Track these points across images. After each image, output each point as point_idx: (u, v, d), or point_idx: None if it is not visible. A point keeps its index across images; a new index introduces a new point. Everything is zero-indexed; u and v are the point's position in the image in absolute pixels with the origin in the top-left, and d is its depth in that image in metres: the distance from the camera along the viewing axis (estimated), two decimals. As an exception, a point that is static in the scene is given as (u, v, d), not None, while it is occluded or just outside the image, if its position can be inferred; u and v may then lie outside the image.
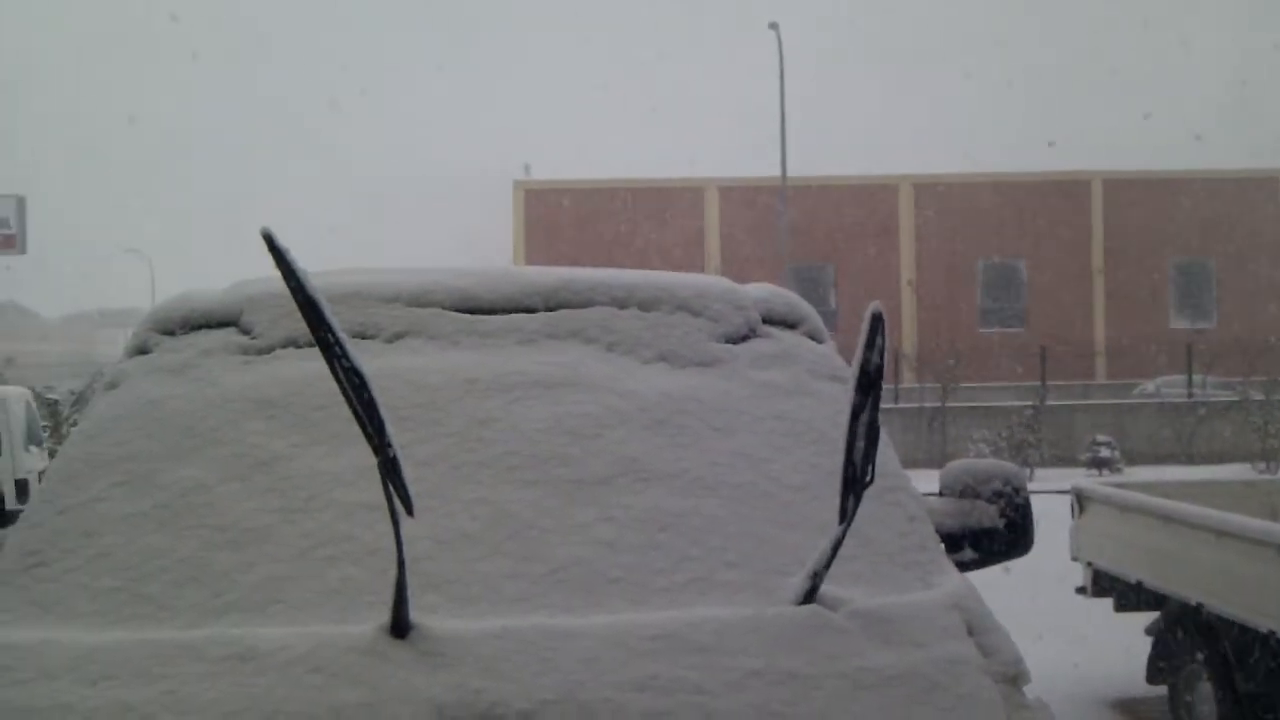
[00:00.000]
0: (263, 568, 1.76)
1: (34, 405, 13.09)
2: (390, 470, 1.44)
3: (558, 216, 31.55)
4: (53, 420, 16.84)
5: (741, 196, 31.62)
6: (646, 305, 2.33)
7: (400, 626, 1.58)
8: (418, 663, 1.55)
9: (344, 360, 1.39)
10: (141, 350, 2.29)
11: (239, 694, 1.51)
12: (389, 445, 1.42)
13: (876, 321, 1.49)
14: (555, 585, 1.75)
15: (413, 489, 1.49)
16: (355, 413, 1.42)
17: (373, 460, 1.93)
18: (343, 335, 1.39)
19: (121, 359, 2.32)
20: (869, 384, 1.52)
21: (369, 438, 1.43)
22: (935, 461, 20.39)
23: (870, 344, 1.50)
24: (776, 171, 28.07)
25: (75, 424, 16.08)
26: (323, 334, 1.37)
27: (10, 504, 11.36)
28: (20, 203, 39.73)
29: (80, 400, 17.44)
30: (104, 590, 1.75)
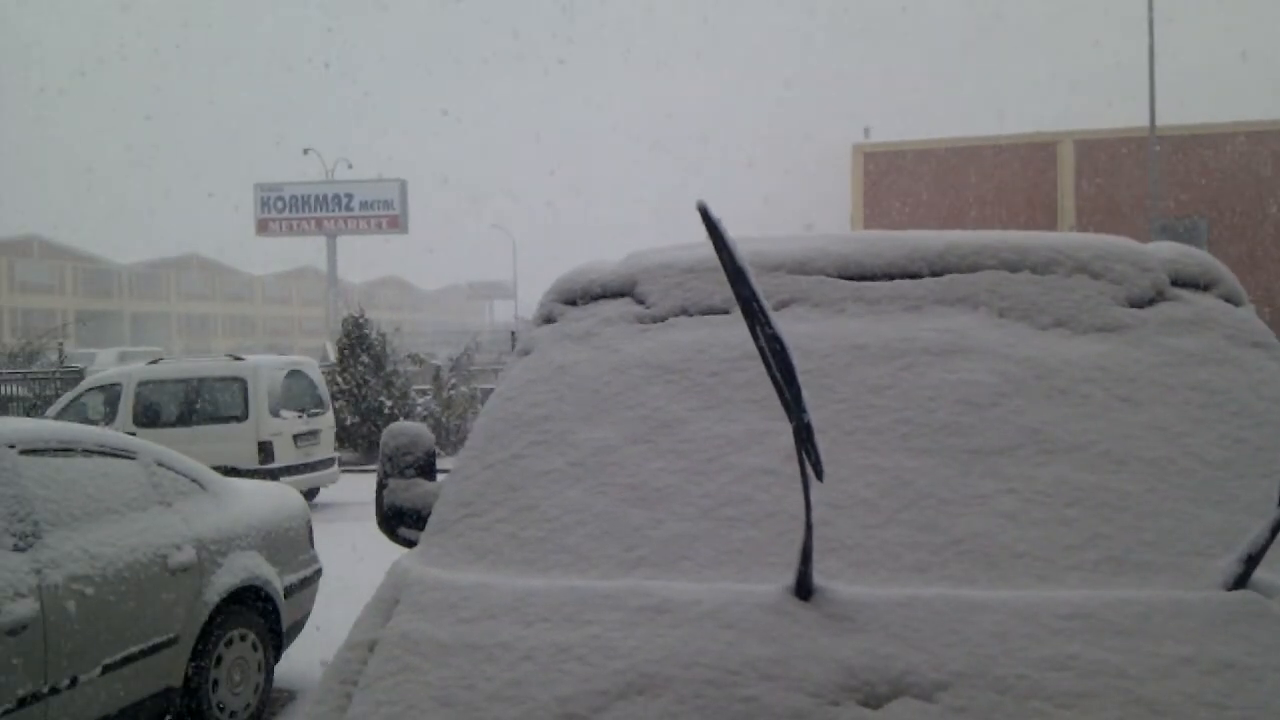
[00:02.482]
0: (670, 525, 1.84)
1: (312, 373, 13.94)
2: (804, 436, 1.46)
3: (899, 179, 30.72)
4: (435, 384, 18.51)
5: (1101, 149, 29.42)
6: (1040, 268, 2.23)
7: (804, 588, 1.61)
8: (824, 625, 1.57)
9: (767, 327, 1.42)
10: (548, 319, 2.46)
11: (658, 643, 1.59)
12: (805, 411, 1.44)
13: None
14: (956, 556, 1.71)
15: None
16: (774, 379, 1.45)
17: (765, 426, 1.98)
18: (766, 303, 1.42)
19: (531, 327, 2.50)
20: None
21: (786, 403, 1.46)
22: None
23: None
24: (1132, 123, 25.83)
25: (454, 386, 17.53)
26: (749, 301, 1.41)
27: (252, 464, 12.10)
28: (403, 186, 43.92)
29: (457, 365, 19.03)
30: (530, 540, 1.90)
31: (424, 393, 18.62)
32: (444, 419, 18.11)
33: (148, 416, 12.50)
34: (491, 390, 15.41)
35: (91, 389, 12.99)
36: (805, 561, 1.59)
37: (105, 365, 24.67)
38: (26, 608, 4.10)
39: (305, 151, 44.72)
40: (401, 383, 18.15)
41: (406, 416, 17.71)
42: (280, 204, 45.08)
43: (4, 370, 21.26)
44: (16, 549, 4.21)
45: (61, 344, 24.29)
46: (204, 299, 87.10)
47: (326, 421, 13.77)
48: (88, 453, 4.88)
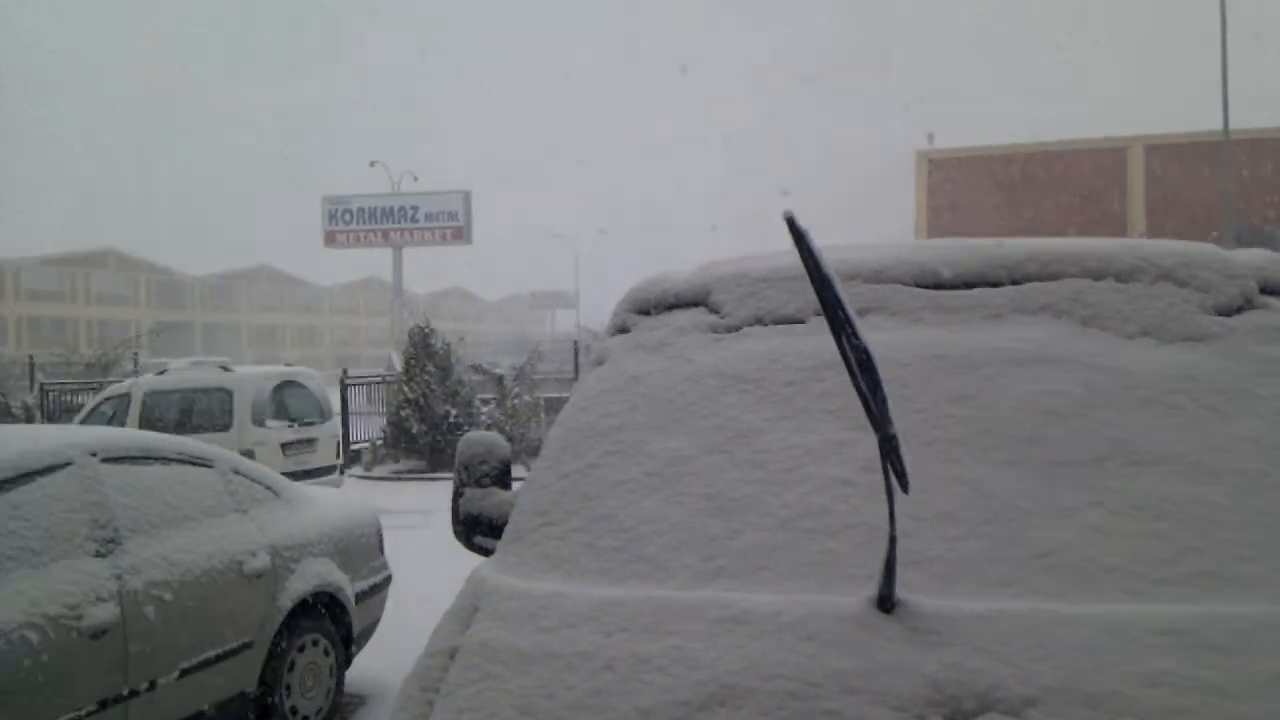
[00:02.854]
0: (749, 536, 1.83)
1: (310, 384, 14.14)
2: (890, 448, 1.45)
3: (964, 186, 30.40)
4: (499, 392, 18.64)
5: (1171, 154, 28.86)
6: (1124, 276, 2.18)
7: (887, 601, 1.59)
8: (908, 638, 1.55)
9: (854, 338, 1.41)
10: (622, 329, 2.46)
11: (739, 654, 1.58)
12: (890, 423, 1.43)
13: None
14: (1043, 570, 1.68)
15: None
16: (859, 389, 1.44)
17: (842, 436, 1.96)
18: (853, 314, 1.41)
19: (604, 337, 2.50)
20: None
21: (871, 415, 1.45)
22: None
23: None
24: (1207, 126, 25.30)
25: (518, 396, 17.60)
26: (835, 311, 1.40)
27: None
28: (466, 197, 44.40)
29: (520, 375, 19.13)
30: (606, 549, 1.90)
31: (487, 402, 18.75)
32: (507, 427, 18.22)
33: (150, 424, 12.84)
34: (554, 399, 15.42)
35: (110, 397, 13.52)
36: (888, 574, 1.57)
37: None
38: (107, 612, 4.20)
39: (372, 164, 45.37)
40: (466, 392, 18.30)
41: (471, 425, 17.85)
42: (348, 216, 45.79)
43: (80, 379, 21.86)
44: (98, 555, 4.31)
45: (136, 354, 24.87)
46: (273, 310, 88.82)
47: (327, 430, 14.02)
48: (166, 461, 4.99)
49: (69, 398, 20.84)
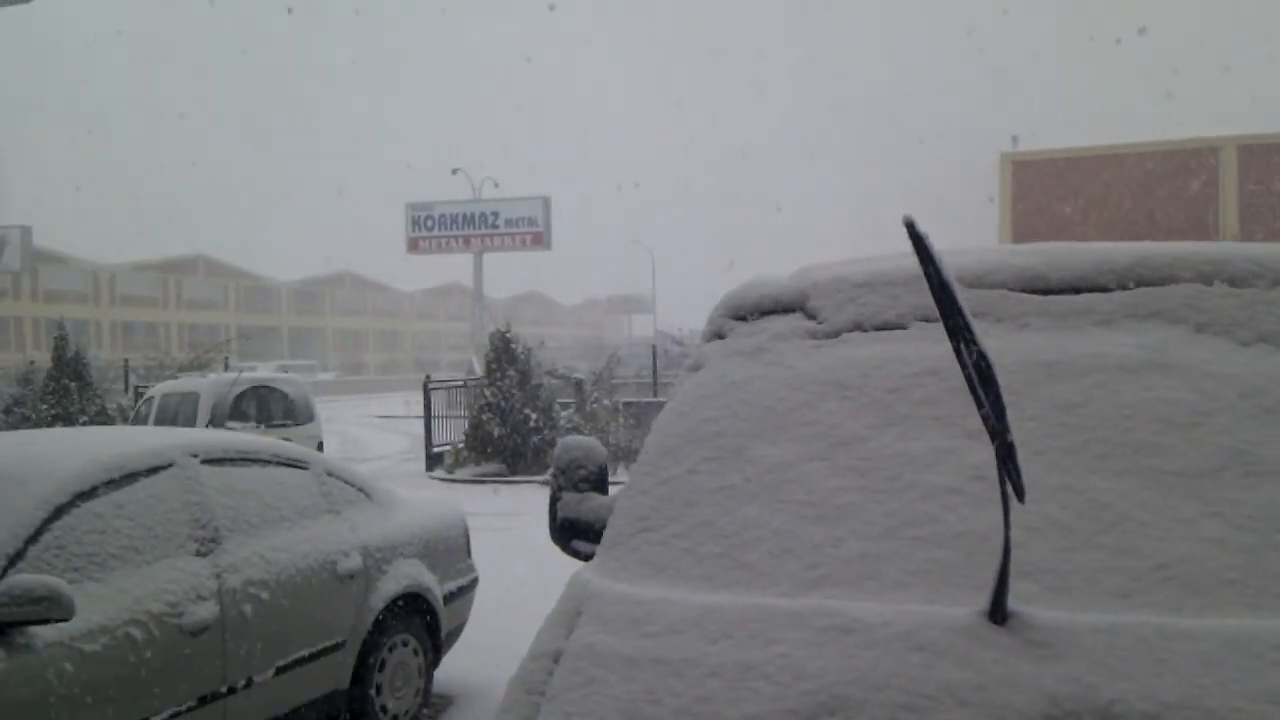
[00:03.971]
0: (852, 544, 1.81)
1: (290, 389, 15.23)
2: (1007, 456, 1.42)
3: (1049, 188, 29.78)
4: (578, 397, 18.75)
5: (1266, 155, 27.96)
6: (1239, 280, 2.12)
7: (999, 612, 1.57)
8: (1023, 651, 1.52)
9: (973, 345, 1.39)
10: (718, 335, 2.45)
11: (847, 664, 1.56)
12: (1007, 431, 1.41)
13: None
14: (1160, 582, 1.64)
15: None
16: (977, 397, 1.42)
17: (948, 444, 1.93)
18: (972, 320, 1.39)
19: (700, 343, 2.50)
20: None
21: (987, 422, 1.42)
22: None
23: None
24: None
25: (597, 400, 17.70)
26: (953, 318, 1.38)
27: None
28: (546, 203, 44.76)
29: (599, 380, 19.21)
30: (708, 556, 1.90)
31: (566, 406, 18.86)
32: (585, 431, 18.30)
33: (160, 423, 14.27)
34: (632, 403, 15.55)
35: (147, 399, 15.22)
36: (1001, 584, 1.54)
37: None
38: (208, 610, 4.31)
39: (454, 172, 45.99)
40: (546, 396, 18.44)
41: (551, 429, 17.99)
42: (430, 223, 46.44)
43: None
44: (199, 554, 4.43)
45: (227, 358, 25.47)
46: (356, 314, 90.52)
47: (304, 432, 14.98)
48: (264, 463, 5.11)
49: (162, 401, 21.50)
